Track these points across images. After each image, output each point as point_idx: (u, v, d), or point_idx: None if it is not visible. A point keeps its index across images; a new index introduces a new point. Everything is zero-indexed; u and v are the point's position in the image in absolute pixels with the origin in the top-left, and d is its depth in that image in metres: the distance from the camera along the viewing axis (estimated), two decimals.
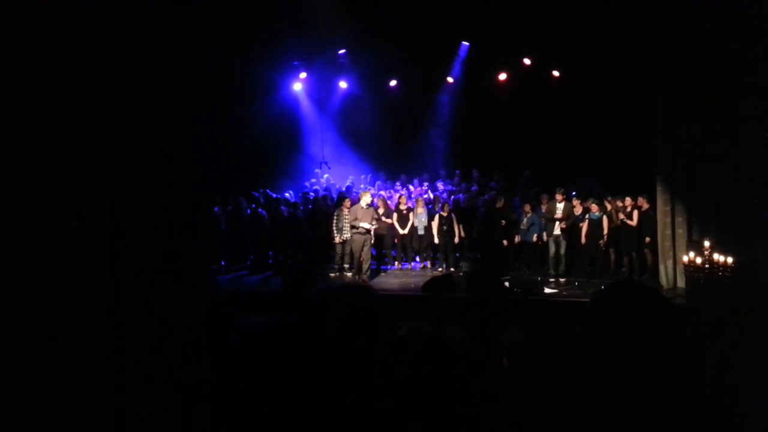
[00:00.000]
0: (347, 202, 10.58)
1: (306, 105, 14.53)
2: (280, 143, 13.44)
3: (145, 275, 1.13)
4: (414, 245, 11.38)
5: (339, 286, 1.56)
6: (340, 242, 10.64)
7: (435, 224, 11.01)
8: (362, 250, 10.36)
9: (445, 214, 10.95)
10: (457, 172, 13.55)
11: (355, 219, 10.23)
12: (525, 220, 10.77)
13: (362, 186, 12.89)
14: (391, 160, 13.99)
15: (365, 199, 10.36)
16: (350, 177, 13.55)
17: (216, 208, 11.78)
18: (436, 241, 11.06)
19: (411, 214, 11.19)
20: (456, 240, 11.03)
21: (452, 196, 12.06)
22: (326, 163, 14.05)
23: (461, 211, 11.18)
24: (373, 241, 10.66)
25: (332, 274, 10.84)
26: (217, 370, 1.30)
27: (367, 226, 10.24)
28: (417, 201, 11.26)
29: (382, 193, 12.42)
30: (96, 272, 1.11)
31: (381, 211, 11.13)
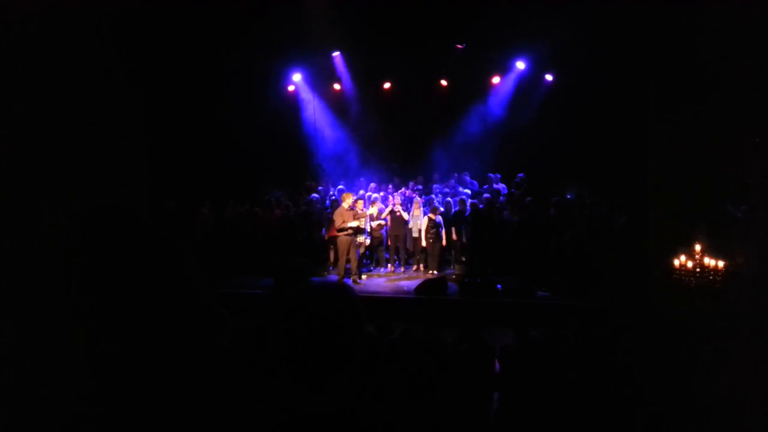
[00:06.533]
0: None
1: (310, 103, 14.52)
2: (276, 144, 13.39)
3: (136, 277, 1.13)
4: (408, 247, 11.44)
5: (316, 286, 1.53)
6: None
7: (424, 227, 11.05)
8: (348, 251, 10.38)
9: (434, 217, 10.98)
10: (455, 175, 13.56)
11: (343, 222, 10.28)
12: None
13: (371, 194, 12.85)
14: (385, 162, 13.99)
15: (348, 201, 10.45)
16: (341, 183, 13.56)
17: (207, 210, 11.76)
18: (424, 244, 11.10)
19: (404, 216, 11.25)
20: (443, 243, 11.07)
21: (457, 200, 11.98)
22: (321, 165, 14.03)
23: (452, 215, 11.21)
24: (362, 242, 10.73)
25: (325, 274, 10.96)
26: (208, 372, 1.31)
27: (354, 224, 10.30)
28: (414, 204, 11.33)
29: (377, 195, 12.42)
30: (88, 273, 1.11)
31: (375, 213, 11.19)
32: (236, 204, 11.81)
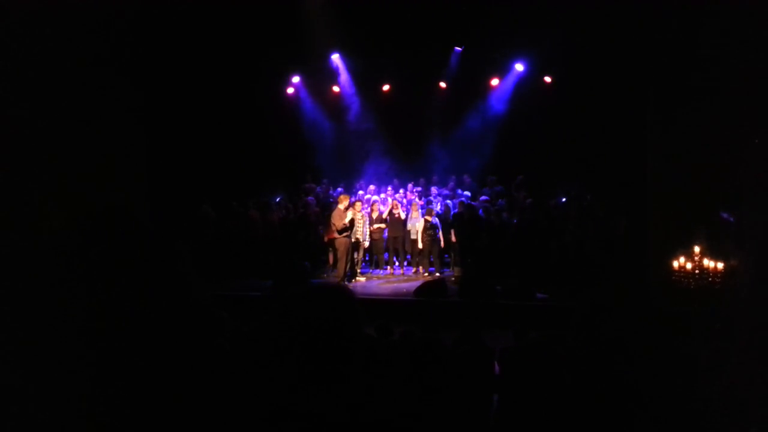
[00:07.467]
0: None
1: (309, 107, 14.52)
2: (276, 146, 13.38)
3: (134, 279, 1.13)
4: (407, 249, 11.45)
5: (314, 287, 1.55)
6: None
7: (420, 228, 11.05)
8: (346, 254, 10.40)
9: (430, 218, 10.98)
10: (453, 178, 13.56)
11: (341, 223, 10.31)
12: None
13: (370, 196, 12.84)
14: (384, 164, 13.98)
15: (344, 203, 10.50)
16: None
17: (207, 213, 11.75)
18: (420, 246, 11.10)
19: (403, 217, 11.27)
20: (441, 245, 11.07)
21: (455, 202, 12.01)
22: (320, 166, 14.03)
23: (448, 217, 11.21)
24: (361, 243, 10.69)
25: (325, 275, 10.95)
26: (208, 374, 1.30)
27: (348, 217, 10.38)
28: (413, 205, 11.35)
29: (376, 197, 12.42)
30: (87, 276, 1.11)
31: (375, 215, 11.21)
32: (238, 206, 11.80)
